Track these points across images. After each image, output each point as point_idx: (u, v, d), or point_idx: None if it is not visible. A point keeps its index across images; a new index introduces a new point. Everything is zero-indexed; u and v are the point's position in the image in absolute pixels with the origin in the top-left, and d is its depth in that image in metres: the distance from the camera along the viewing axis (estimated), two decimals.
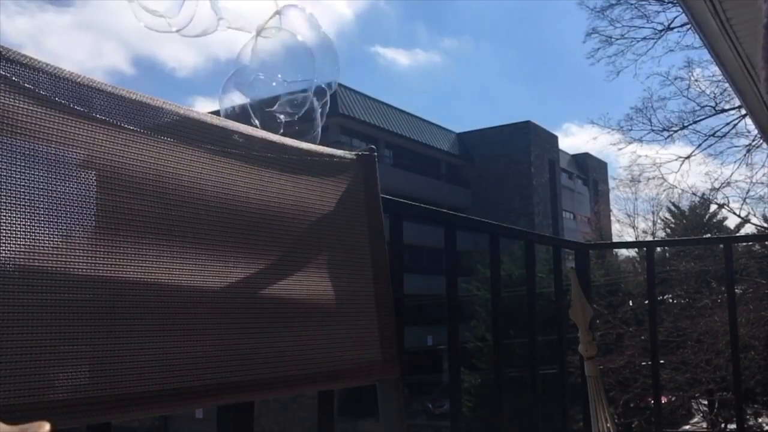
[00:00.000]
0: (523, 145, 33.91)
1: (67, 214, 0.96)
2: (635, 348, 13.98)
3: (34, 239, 0.91)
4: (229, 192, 1.21)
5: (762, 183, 14.41)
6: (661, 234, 22.62)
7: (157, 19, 1.17)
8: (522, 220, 31.84)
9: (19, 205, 0.91)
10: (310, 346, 1.31)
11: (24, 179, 0.92)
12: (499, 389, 2.42)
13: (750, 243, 14.05)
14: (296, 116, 1.33)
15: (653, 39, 15.16)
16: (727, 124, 14.73)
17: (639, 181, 17.07)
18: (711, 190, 15.37)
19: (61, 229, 0.95)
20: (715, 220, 20.74)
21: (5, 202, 0.89)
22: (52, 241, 0.94)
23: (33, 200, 0.93)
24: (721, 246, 3.06)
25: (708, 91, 14.84)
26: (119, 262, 1.01)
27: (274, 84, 1.33)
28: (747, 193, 14.55)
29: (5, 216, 0.89)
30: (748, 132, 14.11)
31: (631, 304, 15.93)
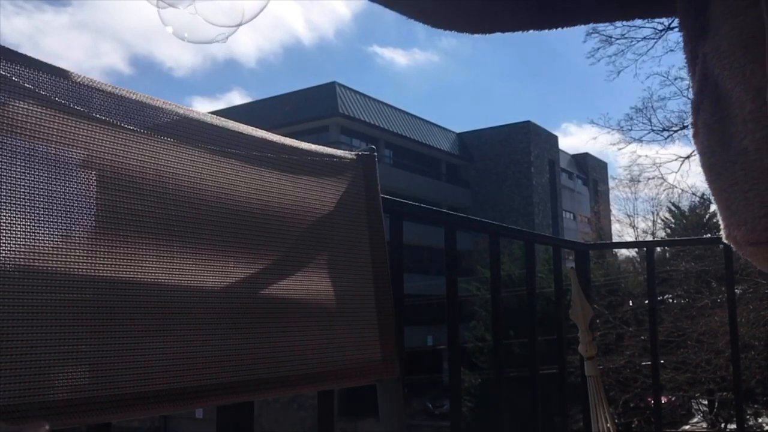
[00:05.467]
0: (523, 145, 33.92)
1: (67, 214, 0.96)
2: (635, 348, 13.99)
3: (34, 239, 0.91)
4: (229, 192, 1.21)
5: None
6: (661, 234, 22.66)
7: None
8: (522, 220, 31.86)
9: (19, 205, 0.91)
10: (310, 346, 1.31)
11: (24, 179, 0.92)
12: (499, 389, 2.42)
13: None
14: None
15: (653, 39, 15.19)
16: None
17: (639, 181, 17.11)
18: None
19: (61, 229, 0.95)
20: (715, 220, 20.73)
21: (5, 202, 0.89)
22: (52, 241, 0.94)
23: (33, 200, 0.93)
24: (721, 246, 3.05)
25: None
26: (119, 262, 1.01)
27: None
28: None
29: (5, 216, 0.89)
30: None
31: (631, 304, 15.94)
